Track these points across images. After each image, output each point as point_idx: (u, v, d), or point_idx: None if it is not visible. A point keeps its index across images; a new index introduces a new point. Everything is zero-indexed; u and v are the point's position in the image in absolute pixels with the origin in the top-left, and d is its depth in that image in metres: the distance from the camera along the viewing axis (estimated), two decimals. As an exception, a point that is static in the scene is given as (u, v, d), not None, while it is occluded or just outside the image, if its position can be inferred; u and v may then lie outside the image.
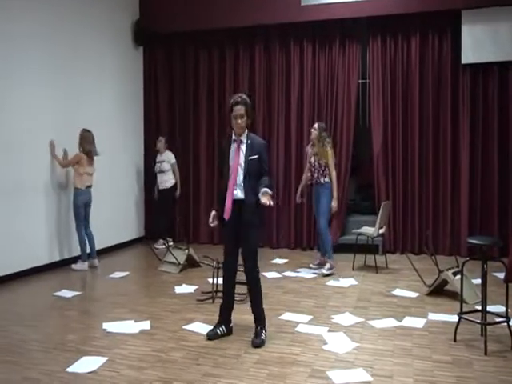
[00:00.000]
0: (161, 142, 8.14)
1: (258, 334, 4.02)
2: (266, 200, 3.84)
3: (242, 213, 4.03)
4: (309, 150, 6.62)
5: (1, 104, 5.87)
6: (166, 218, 8.04)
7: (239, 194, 4.04)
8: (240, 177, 4.03)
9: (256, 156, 4.04)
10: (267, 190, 3.88)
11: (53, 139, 6.58)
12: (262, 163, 4.09)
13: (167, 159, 8.11)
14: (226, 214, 4.05)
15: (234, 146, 4.08)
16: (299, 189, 6.83)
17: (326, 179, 6.38)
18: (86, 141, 6.64)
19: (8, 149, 5.93)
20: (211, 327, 4.27)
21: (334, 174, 6.38)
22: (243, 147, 4.05)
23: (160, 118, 8.77)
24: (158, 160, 8.16)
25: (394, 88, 7.65)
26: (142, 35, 8.48)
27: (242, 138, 4.07)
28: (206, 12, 8.06)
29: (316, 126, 6.45)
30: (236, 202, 4.03)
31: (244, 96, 4.06)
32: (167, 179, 8.09)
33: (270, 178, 4.14)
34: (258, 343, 3.95)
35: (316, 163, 6.40)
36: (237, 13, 7.92)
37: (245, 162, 4.02)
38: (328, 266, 6.35)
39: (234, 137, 4.10)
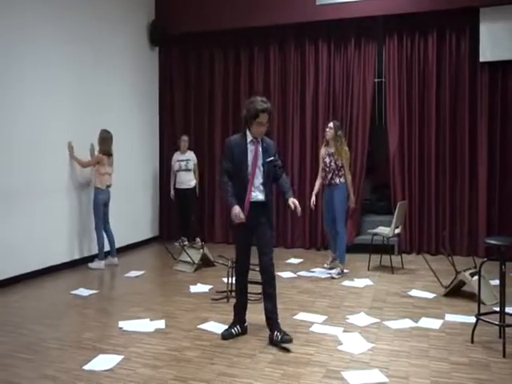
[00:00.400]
0: (184, 141, 8.06)
1: (282, 332, 3.94)
2: (298, 211, 4.07)
3: (261, 214, 4.03)
4: (322, 150, 6.45)
5: (21, 106, 5.95)
6: (191, 217, 7.99)
7: (259, 195, 4.04)
8: (259, 179, 4.04)
9: (272, 158, 4.10)
10: (295, 200, 4.08)
11: (70, 140, 6.65)
12: (277, 162, 4.17)
13: (192, 158, 8.07)
14: (244, 213, 4.00)
15: (251, 148, 4.05)
16: (313, 194, 6.53)
17: (342, 180, 6.24)
18: (106, 142, 6.74)
19: (27, 150, 6.01)
20: (226, 327, 4.28)
21: (349, 177, 6.29)
22: (260, 149, 4.07)
23: (175, 118, 8.81)
24: (180, 159, 8.04)
25: (410, 87, 7.59)
26: (158, 36, 8.53)
27: (258, 139, 4.08)
28: (221, 13, 8.08)
29: (331, 124, 6.29)
30: (254, 203, 4.01)
31: (269, 104, 4.10)
32: (191, 178, 8.03)
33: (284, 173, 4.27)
34: (288, 338, 3.88)
35: (332, 163, 6.23)
36: (252, 13, 7.92)
37: (263, 164, 4.04)
38: (338, 270, 6.24)
39: (250, 137, 4.07)
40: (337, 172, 6.22)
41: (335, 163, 6.22)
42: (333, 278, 6.12)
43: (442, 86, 7.47)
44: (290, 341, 3.87)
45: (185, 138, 8.11)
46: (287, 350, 3.84)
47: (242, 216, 3.95)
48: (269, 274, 4.05)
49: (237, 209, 3.96)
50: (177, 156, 8.12)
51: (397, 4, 7.32)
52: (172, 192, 8.18)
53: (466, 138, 7.35)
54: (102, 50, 7.31)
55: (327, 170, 6.28)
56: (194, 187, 8.08)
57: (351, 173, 6.56)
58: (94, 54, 7.13)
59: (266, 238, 4.08)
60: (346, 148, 6.31)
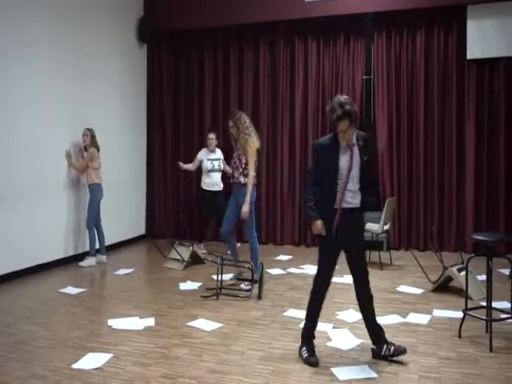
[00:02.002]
0: (212, 139, 7.39)
1: (393, 344, 3.63)
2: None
3: (355, 221, 3.66)
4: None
5: (15, 107, 5.95)
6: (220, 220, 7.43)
7: (355, 201, 3.61)
8: (355, 184, 3.59)
9: (367, 157, 3.63)
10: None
11: (68, 148, 6.71)
12: (373, 163, 3.86)
13: (222, 157, 7.48)
14: (335, 222, 3.59)
15: (344, 152, 3.57)
16: None
17: (245, 179, 5.44)
18: (95, 138, 6.78)
19: (20, 149, 5.98)
20: (215, 323, 4.27)
21: (251, 173, 5.37)
22: (356, 151, 3.60)
23: (164, 115, 8.77)
24: (211, 157, 7.36)
25: (398, 84, 7.63)
26: (147, 32, 8.47)
27: (353, 141, 3.60)
28: (211, 9, 8.05)
29: (230, 123, 5.64)
30: (347, 210, 3.60)
31: (347, 107, 3.50)
32: (220, 180, 7.45)
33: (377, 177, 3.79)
34: (402, 349, 3.59)
35: (236, 159, 5.50)
36: (241, 10, 7.91)
37: (360, 167, 3.59)
38: (246, 284, 5.41)
39: (343, 141, 3.59)
40: (241, 170, 5.44)
41: (239, 159, 5.49)
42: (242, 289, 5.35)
43: (431, 83, 7.51)
44: (405, 350, 3.58)
45: (212, 135, 7.44)
46: (403, 363, 3.57)
47: (323, 231, 3.62)
48: (369, 294, 3.76)
49: (319, 223, 3.62)
50: (206, 154, 7.41)
51: (385, 1, 7.35)
52: (202, 193, 7.47)
53: (453, 134, 7.41)
54: (89, 47, 7.23)
55: (233, 166, 5.58)
56: (223, 189, 7.47)
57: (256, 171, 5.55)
58: (81, 51, 7.04)
59: (363, 253, 3.75)
60: (253, 141, 5.44)
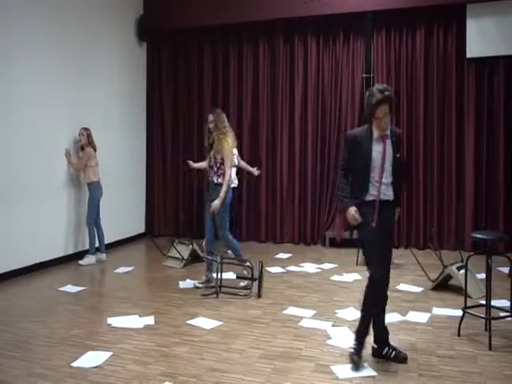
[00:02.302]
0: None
1: (395, 349, 3.60)
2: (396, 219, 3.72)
3: (389, 215, 3.58)
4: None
5: (16, 107, 5.97)
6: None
7: (388, 193, 3.54)
8: (388, 177, 3.52)
9: (398, 154, 3.58)
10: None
11: (67, 147, 6.71)
12: (402, 158, 3.69)
13: (236, 153, 7.03)
14: (373, 216, 3.50)
15: (377, 144, 3.51)
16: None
17: (221, 179, 5.35)
18: (92, 137, 6.77)
19: (16, 148, 5.96)
20: (215, 322, 4.27)
21: (228, 172, 5.29)
22: (389, 143, 3.53)
23: (164, 114, 8.76)
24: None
25: (398, 83, 7.62)
26: (146, 31, 8.46)
27: (387, 132, 3.53)
28: (210, 8, 8.04)
29: (211, 117, 5.49)
30: (382, 202, 3.52)
31: (386, 93, 3.44)
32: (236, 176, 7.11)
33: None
34: (402, 357, 3.55)
35: (211, 158, 5.42)
36: (241, 9, 7.89)
37: (393, 160, 3.53)
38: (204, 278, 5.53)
39: (376, 133, 3.53)
40: (215, 169, 5.37)
41: (214, 158, 5.39)
42: (196, 286, 5.50)
43: (430, 82, 7.51)
44: (404, 360, 3.55)
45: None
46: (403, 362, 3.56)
47: (358, 216, 3.49)
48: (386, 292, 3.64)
49: (352, 210, 3.50)
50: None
51: (385, 0, 7.33)
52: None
53: (453, 133, 7.41)
54: (89, 46, 7.22)
55: (210, 165, 5.46)
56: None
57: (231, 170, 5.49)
58: (80, 50, 7.03)
59: (391, 250, 3.69)
60: (229, 140, 5.36)
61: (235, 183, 7.03)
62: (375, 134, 3.53)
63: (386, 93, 3.42)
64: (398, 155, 3.55)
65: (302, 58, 8.03)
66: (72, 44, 6.86)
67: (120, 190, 7.96)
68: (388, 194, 3.55)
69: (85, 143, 6.72)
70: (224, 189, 5.28)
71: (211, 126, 5.46)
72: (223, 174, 5.31)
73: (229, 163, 5.32)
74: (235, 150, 7.00)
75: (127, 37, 8.24)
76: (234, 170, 6.89)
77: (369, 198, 3.53)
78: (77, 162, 6.79)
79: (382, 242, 3.53)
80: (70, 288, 5.51)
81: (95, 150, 6.80)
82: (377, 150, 3.51)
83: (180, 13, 8.21)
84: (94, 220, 6.75)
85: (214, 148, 5.38)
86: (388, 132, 3.53)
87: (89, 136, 6.74)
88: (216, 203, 5.25)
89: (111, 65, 7.78)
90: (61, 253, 6.72)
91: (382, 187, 3.51)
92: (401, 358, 3.55)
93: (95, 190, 6.74)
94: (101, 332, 4.20)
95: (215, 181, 5.35)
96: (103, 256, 6.86)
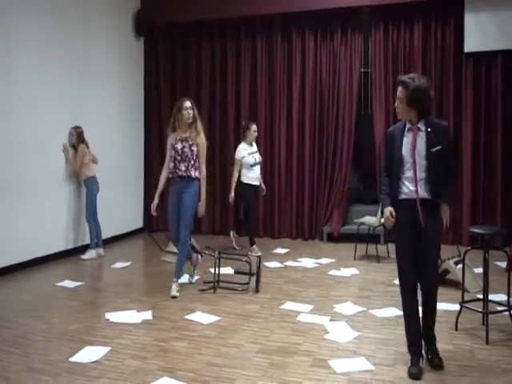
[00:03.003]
0: (255, 131, 6.91)
1: (436, 353, 3.45)
2: (444, 221, 3.38)
3: (427, 216, 3.31)
4: (170, 138, 5.13)
5: (17, 102, 5.98)
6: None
7: (422, 191, 3.31)
8: (419, 172, 3.30)
9: (440, 147, 3.29)
10: (446, 207, 3.38)
11: (65, 142, 6.70)
12: (447, 154, 3.36)
13: (257, 150, 7.00)
14: (405, 217, 3.36)
15: (408, 136, 3.37)
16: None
17: (197, 173, 5.04)
18: (83, 134, 6.78)
19: (14, 143, 5.95)
20: (213, 317, 4.28)
21: (204, 170, 5.11)
22: (421, 136, 3.33)
23: (162, 109, 8.73)
24: (252, 151, 6.84)
25: (396, 77, 7.54)
26: (144, 26, 8.42)
27: (419, 125, 3.35)
28: (208, 2, 8.01)
29: (189, 103, 5.14)
30: (412, 201, 3.33)
31: (406, 78, 3.33)
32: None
33: (454, 172, 3.37)
34: (439, 363, 3.37)
35: (187, 149, 4.96)
36: (238, 3, 7.87)
37: (426, 154, 3.29)
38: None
39: (408, 124, 3.39)
40: (192, 162, 4.98)
41: (190, 149, 4.98)
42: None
43: (428, 76, 7.41)
44: (439, 367, 3.37)
45: (255, 127, 6.93)
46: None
47: (392, 219, 3.35)
48: (432, 299, 3.48)
49: (387, 211, 3.37)
50: (246, 148, 6.82)
51: (383, -6, 7.33)
52: (232, 194, 6.81)
53: (450, 127, 7.38)
54: (86, 40, 7.18)
55: (179, 158, 4.99)
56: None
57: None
58: (77, 44, 7.00)
59: (433, 256, 3.38)
60: (203, 135, 5.16)
61: (256, 182, 6.93)
62: (407, 125, 3.39)
63: (401, 77, 3.37)
64: (433, 149, 3.27)
65: (299, 53, 8.01)
66: (69, 40, 6.81)
67: (118, 185, 7.94)
68: (421, 192, 3.32)
69: (76, 142, 6.73)
70: (204, 186, 5.08)
71: (190, 113, 5.03)
72: (199, 168, 5.04)
73: (205, 159, 5.09)
74: (255, 147, 6.97)
75: (124, 32, 8.19)
76: (258, 168, 6.89)
77: (401, 196, 3.37)
78: (73, 160, 6.76)
79: (409, 248, 3.34)
80: (68, 283, 5.51)
81: (88, 147, 6.80)
82: (407, 142, 3.36)
83: (177, 7, 8.18)
84: (92, 215, 6.76)
85: (190, 138, 4.99)
86: (420, 124, 3.34)
87: (79, 134, 6.73)
88: (202, 210, 5.11)
89: (109, 60, 7.73)
90: (60, 248, 6.72)
91: (412, 184, 3.31)
92: (437, 364, 3.39)
93: (92, 185, 6.74)
94: (99, 327, 4.21)
95: (192, 175, 4.98)
96: (101, 250, 6.87)
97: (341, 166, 7.82)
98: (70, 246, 6.91)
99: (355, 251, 6.63)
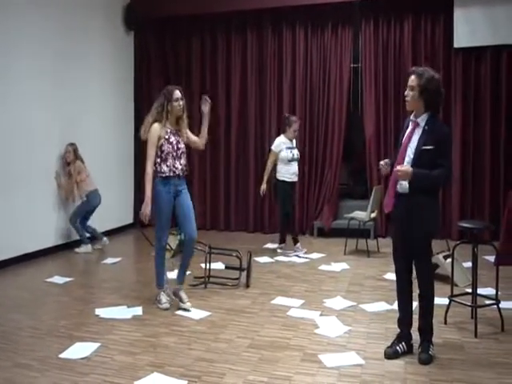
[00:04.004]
0: (298, 124, 6.66)
1: (424, 349, 3.42)
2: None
3: (408, 210, 3.32)
4: (158, 130, 4.59)
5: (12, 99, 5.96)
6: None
7: (404, 185, 3.31)
8: (406, 165, 3.30)
9: (432, 147, 3.23)
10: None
11: (56, 169, 6.71)
12: (439, 158, 3.24)
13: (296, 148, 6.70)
14: (386, 206, 3.47)
15: (410, 128, 3.39)
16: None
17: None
18: (78, 151, 6.78)
19: (11, 139, 5.92)
20: (203, 312, 4.27)
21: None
22: (418, 131, 3.32)
23: (152, 103, 8.61)
24: (290, 146, 6.51)
25: (386, 72, 7.63)
26: (134, 19, 8.35)
27: (418, 120, 3.33)
28: (198, -4, 7.97)
29: (179, 94, 4.76)
30: (401, 195, 3.36)
31: (420, 68, 3.35)
32: None
33: (445, 173, 3.27)
34: (424, 359, 3.36)
35: (181, 145, 4.61)
36: (229, -3, 7.84)
37: (416, 150, 3.28)
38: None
39: (412, 116, 3.40)
40: (185, 157, 4.65)
41: (183, 144, 4.65)
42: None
43: (418, 72, 7.51)
44: (425, 362, 3.36)
45: (297, 119, 6.68)
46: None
47: (384, 164, 3.47)
48: (427, 289, 3.49)
49: (382, 161, 3.54)
50: (284, 141, 6.50)
51: (373, -11, 7.33)
52: (264, 186, 6.56)
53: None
54: (74, 34, 7.09)
55: (174, 154, 4.55)
56: None
57: None
58: (65, 38, 6.92)
59: (414, 243, 3.40)
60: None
61: (293, 179, 6.59)
62: (412, 116, 3.41)
63: (414, 68, 3.40)
64: (423, 147, 3.24)
65: (290, 48, 8.00)
66: (55, 32, 6.72)
67: (108, 180, 7.87)
68: (403, 185, 3.31)
69: (72, 160, 6.71)
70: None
71: (181, 104, 4.65)
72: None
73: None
74: (294, 143, 6.66)
75: (114, 25, 8.12)
76: (295, 164, 6.57)
77: (391, 185, 3.43)
78: (66, 182, 6.71)
79: (400, 233, 3.46)
80: (58, 279, 5.48)
81: (83, 162, 6.78)
82: (406, 133, 3.42)
83: (167, 1, 8.11)
84: (76, 220, 6.74)
85: (180, 132, 4.62)
86: (419, 119, 3.32)
87: (75, 151, 6.73)
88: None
89: (97, 53, 7.65)
90: (50, 243, 6.69)
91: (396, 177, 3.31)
92: (424, 359, 3.40)
93: (94, 198, 6.79)
94: (89, 323, 4.19)
95: (186, 172, 4.65)
96: (105, 240, 6.98)
97: (331, 162, 7.84)
98: (60, 242, 6.87)
99: (345, 246, 6.65)
